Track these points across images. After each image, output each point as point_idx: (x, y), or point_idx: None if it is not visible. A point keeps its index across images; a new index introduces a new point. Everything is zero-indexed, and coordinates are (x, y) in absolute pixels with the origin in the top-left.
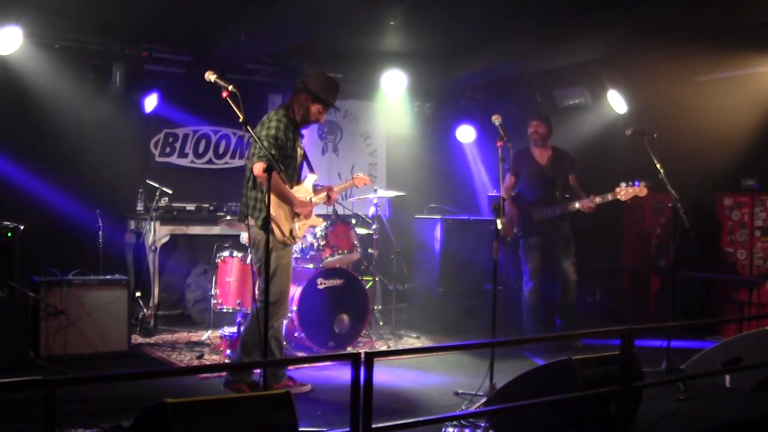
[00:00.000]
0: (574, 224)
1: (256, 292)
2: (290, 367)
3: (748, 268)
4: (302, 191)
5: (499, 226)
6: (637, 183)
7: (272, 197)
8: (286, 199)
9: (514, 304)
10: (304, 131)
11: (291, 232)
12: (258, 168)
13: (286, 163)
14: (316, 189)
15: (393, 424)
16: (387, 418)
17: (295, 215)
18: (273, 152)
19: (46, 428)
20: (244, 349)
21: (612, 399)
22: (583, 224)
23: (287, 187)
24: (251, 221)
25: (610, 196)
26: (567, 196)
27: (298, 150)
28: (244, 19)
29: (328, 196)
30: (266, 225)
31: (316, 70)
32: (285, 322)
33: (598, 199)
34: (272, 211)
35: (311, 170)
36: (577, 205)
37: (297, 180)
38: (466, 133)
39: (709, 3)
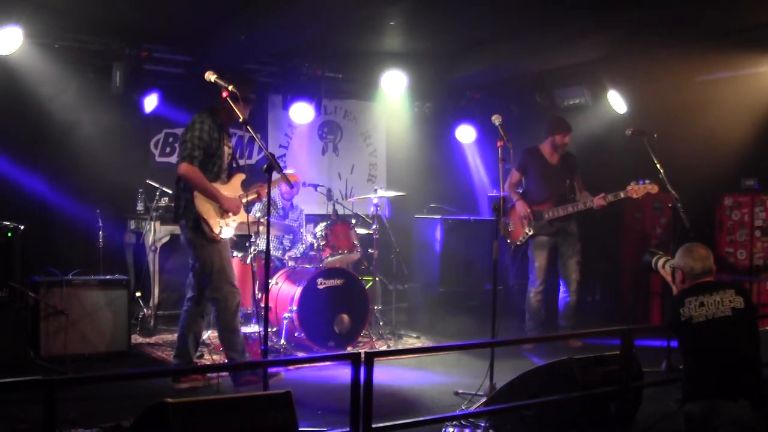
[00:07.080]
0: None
1: (194, 291)
2: (291, 367)
3: (749, 269)
4: (230, 189)
5: (510, 228)
6: (642, 182)
7: (200, 195)
8: (213, 197)
9: (514, 304)
10: (233, 132)
11: (221, 228)
12: (182, 168)
13: (213, 162)
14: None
15: (393, 424)
16: (387, 418)
17: (224, 212)
18: (196, 153)
19: (46, 428)
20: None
21: (612, 399)
22: (583, 224)
23: (213, 185)
24: (183, 222)
25: (622, 194)
26: (572, 196)
27: (225, 149)
28: (244, 19)
29: (258, 193)
30: (197, 225)
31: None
32: (285, 322)
33: (610, 197)
34: (201, 209)
35: (239, 170)
36: (588, 203)
37: (225, 178)
38: (466, 133)
39: (709, 3)
